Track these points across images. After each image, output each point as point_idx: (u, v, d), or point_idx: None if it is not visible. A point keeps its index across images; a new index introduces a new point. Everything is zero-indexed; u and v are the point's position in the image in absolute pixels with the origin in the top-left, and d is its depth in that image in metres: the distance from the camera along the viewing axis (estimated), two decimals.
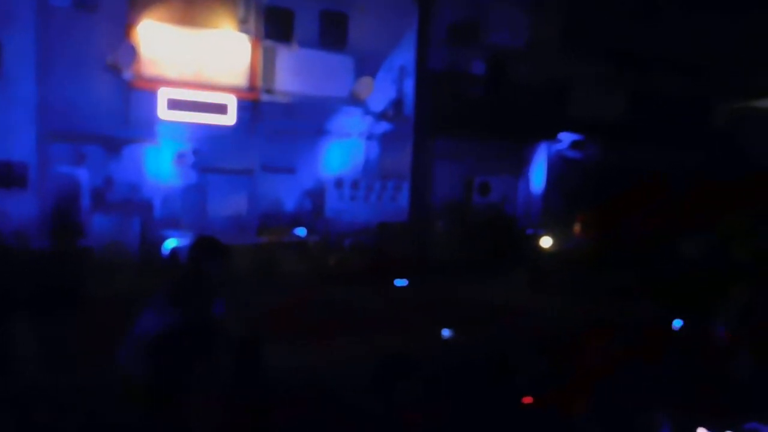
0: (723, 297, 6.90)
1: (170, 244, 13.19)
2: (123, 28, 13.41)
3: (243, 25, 14.65)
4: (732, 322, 5.90)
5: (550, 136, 18.47)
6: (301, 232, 14.94)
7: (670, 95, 18.49)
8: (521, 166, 18.98)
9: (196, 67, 14.03)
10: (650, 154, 16.85)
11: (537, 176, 19.03)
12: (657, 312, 7.96)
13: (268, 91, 14.89)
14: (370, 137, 16.70)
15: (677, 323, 6.38)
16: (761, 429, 3.83)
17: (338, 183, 16.16)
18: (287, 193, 15.81)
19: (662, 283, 9.43)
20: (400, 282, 12.04)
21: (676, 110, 18.17)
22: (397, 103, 16.86)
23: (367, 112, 16.43)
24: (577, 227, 13.47)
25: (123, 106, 13.69)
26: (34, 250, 11.13)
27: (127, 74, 13.36)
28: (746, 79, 17.92)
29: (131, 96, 13.71)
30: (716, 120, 18.33)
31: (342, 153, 16.35)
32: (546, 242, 13.87)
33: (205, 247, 4.51)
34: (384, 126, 16.79)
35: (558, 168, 18.93)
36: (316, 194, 16.05)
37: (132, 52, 13.20)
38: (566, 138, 18.68)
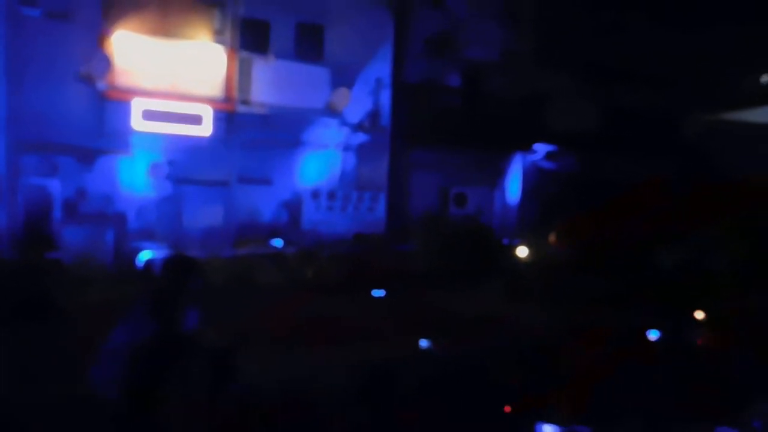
0: (697, 305, 7.02)
1: (144, 256, 13.01)
2: (96, 37, 13.29)
3: (219, 36, 14.61)
4: (705, 328, 5.98)
5: (525, 147, 18.66)
6: (277, 243, 14.86)
7: (641, 107, 18.80)
8: (497, 176, 19.13)
9: (171, 77, 13.96)
10: (623, 164, 17.08)
11: (512, 187, 19.19)
12: (633, 320, 8.04)
13: (245, 102, 14.85)
14: (346, 148, 16.71)
15: (653, 333, 6.45)
16: None
17: (315, 194, 16.14)
18: (264, 205, 15.73)
19: (638, 292, 9.53)
20: (378, 293, 12.01)
21: (647, 122, 18.47)
22: (373, 115, 16.91)
23: (344, 123, 16.45)
24: (552, 237, 13.57)
25: (96, 117, 13.53)
26: (5, 262, 10.91)
27: (100, 84, 13.23)
28: (714, 91, 18.30)
29: (105, 107, 13.58)
30: (686, 131, 18.67)
31: (319, 164, 16.33)
32: (522, 252, 13.95)
33: (178, 266, 4.51)
34: (361, 137, 16.82)
35: (533, 178, 19.11)
36: (293, 205, 16.00)
37: (106, 62, 13.08)
38: (541, 149, 18.88)
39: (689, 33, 18.18)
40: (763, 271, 8.33)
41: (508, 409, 4.45)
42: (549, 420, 4.19)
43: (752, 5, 17.33)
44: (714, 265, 9.21)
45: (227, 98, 14.65)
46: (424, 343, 7.25)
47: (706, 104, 18.34)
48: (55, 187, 13.49)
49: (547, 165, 19.13)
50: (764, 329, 6.04)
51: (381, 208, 16.84)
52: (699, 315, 6.83)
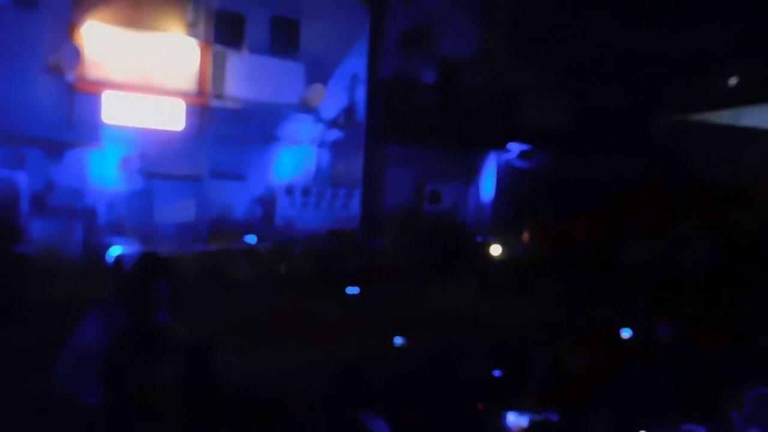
0: (666, 302, 7.12)
1: (115, 251, 12.81)
2: (66, 28, 13.02)
3: (192, 29, 14.42)
4: (673, 326, 6.08)
5: (500, 144, 18.78)
6: (251, 239, 14.74)
7: (613, 106, 19.05)
8: (471, 173, 19.21)
9: (143, 70, 13.75)
10: (594, 163, 17.29)
11: (487, 184, 19.30)
12: (605, 318, 8.14)
13: (218, 96, 14.69)
14: (321, 144, 16.64)
15: (626, 331, 6.54)
16: (696, 430, 3.95)
17: (289, 190, 16.05)
18: (237, 200, 15.59)
19: (610, 290, 9.65)
20: (352, 290, 11.99)
21: (620, 121, 18.72)
22: (348, 111, 16.86)
23: (319, 119, 16.37)
24: (525, 235, 13.68)
25: (65, 109, 13.26)
26: None
27: (69, 76, 12.97)
28: (684, 92, 18.62)
29: (74, 98, 13.31)
30: (656, 131, 18.97)
31: (293, 160, 16.23)
32: (496, 249, 14.04)
33: (149, 264, 4.48)
34: (335, 133, 16.76)
35: (507, 177, 19.25)
36: (267, 201, 15.89)
37: (75, 53, 12.83)
38: (515, 148, 19.02)
39: (661, 33, 18.46)
40: (732, 271, 8.50)
41: (481, 405, 4.47)
42: (519, 409, 4.22)
43: (721, 8, 17.66)
44: (683, 264, 9.37)
45: (200, 92, 14.48)
46: (398, 340, 7.26)
47: (676, 105, 18.65)
48: (23, 180, 13.19)
49: (520, 164, 19.28)
50: (734, 327, 6.17)
51: (355, 204, 16.82)
52: (669, 313, 6.93)
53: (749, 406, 3.09)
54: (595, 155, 17.57)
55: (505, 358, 5.32)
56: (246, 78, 14.95)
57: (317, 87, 15.75)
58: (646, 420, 4.10)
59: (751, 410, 3.08)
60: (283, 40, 15.57)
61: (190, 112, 14.41)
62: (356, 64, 16.81)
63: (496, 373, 5.07)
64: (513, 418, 4.14)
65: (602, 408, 4.37)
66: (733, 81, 19.92)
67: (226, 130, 14.81)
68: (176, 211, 14.53)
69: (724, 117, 18.61)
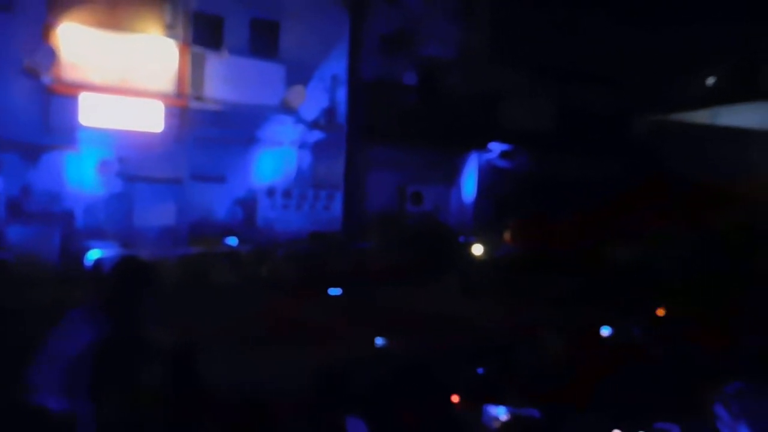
0: (648, 300, 7.19)
1: (93, 255, 12.65)
2: (41, 29, 12.84)
3: (171, 31, 14.29)
4: (650, 325, 6.13)
5: (481, 145, 18.85)
6: (232, 241, 14.64)
7: (593, 107, 19.22)
8: (453, 175, 19.26)
9: (121, 72, 13.61)
10: (575, 163, 17.44)
11: (468, 185, 19.36)
12: (586, 317, 8.19)
13: (198, 98, 14.58)
14: (302, 146, 16.58)
15: (605, 329, 6.59)
16: (671, 428, 3.98)
17: (270, 192, 15.96)
18: (218, 202, 15.47)
19: (590, 289, 9.72)
20: (334, 291, 11.96)
21: (600, 121, 18.90)
22: (329, 112, 16.82)
23: (300, 120, 16.31)
24: (507, 234, 13.75)
25: (42, 112, 13.09)
26: None
27: (46, 78, 12.79)
28: (663, 93, 18.84)
29: (51, 101, 13.14)
30: (635, 131, 19.17)
31: (274, 162, 16.15)
32: (478, 249, 14.09)
33: (128, 269, 4.41)
34: (317, 135, 16.71)
35: (488, 177, 19.32)
36: (248, 203, 15.79)
37: (51, 55, 12.66)
38: (496, 148, 19.10)
39: (640, 34, 18.66)
40: (711, 269, 8.60)
41: (456, 398, 4.48)
42: (498, 402, 4.22)
43: (699, 10, 17.89)
44: (664, 262, 9.47)
45: (179, 94, 14.36)
46: (379, 341, 7.24)
47: (655, 105, 18.86)
48: None
49: (502, 164, 19.38)
50: (717, 324, 6.24)
51: (337, 206, 16.78)
52: (650, 311, 7.00)
53: (734, 403, 3.12)
54: (575, 155, 17.72)
55: (486, 357, 5.33)
56: (226, 79, 14.85)
57: (297, 88, 15.69)
58: (624, 418, 4.13)
59: (737, 407, 3.10)
60: (262, 41, 15.49)
61: (169, 114, 14.28)
62: (337, 65, 16.78)
63: (479, 371, 5.08)
64: (493, 413, 4.14)
65: (583, 405, 4.40)
66: (710, 81, 20.18)
67: (205, 132, 14.70)
68: (156, 214, 14.39)
69: (701, 117, 18.85)
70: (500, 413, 4.07)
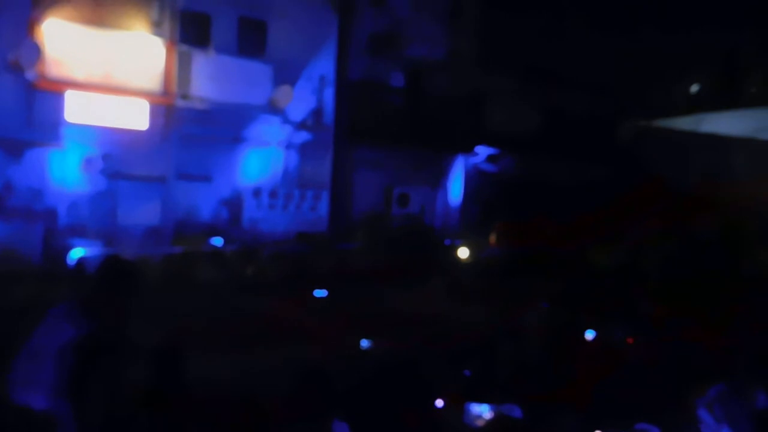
0: (625, 304, 7.24)
1: (76, 253, 12.53)
2: (25, 25, 12.70)
3: (157, 28, 14.20)
4: (631, 327, 6.18)
5: (467, 148, 18.92)
6: (217, 241, 14.57)
7: (578, 111, 19.36)
8: (439, 177, 19.31)
9: (106, 69, 13.50)
10: (561, 167, 17.56)
11: (454, 188, 19.41)
12: (570, 320, 8.24)
13: (184, 96, 14.49)
14: (289, 146, 16.53)
15: (590, 332, 6.64)
16: (651, 429, 4.01)
17: (256, 192, 15.90)
18: (203, 202, 15.38)
19: (574, 292, 9.78)
20: (320, 293, 11.93)
21: (585, 126, 19.03)
22: (316, 113, 16.79)
23: (286, 120, 16.26)
24: (492, 237, 13.81)
25: (25, 108, 12.94)
26: None
27: (30, 74, 12.65)
28: (647, 98, 19.01)
29: (35, 97, 12.99)
30: (621, 136, 19.32)
31: (260, 161, 16.10)
32: (463, 252, 14.13)
33: (112, 268, 4.38)
34: (303, 135, 16.67)
35: (474, 180, 19.40)
36: (234, 203, 15.72)
37: (35, 51, 12.52)
38: (482, 151, 19.18)
39: (625, 41, 18.83)
40: (694, 272, 8.69)
41: (439, 398, 4.49)
42: (481, 401, 4.23)
43: (684, 17, 18.08)
44: (647, 266, 9.55)
45: (165, 92, 14.27)
46: (364, 342, 7.24)
47: (640, 110, 19.02)
48: None
49: (488, 167, 19.45)
50: (702, 326, 6.31)
51: (323, 206, 16.74)
52: (633, 314, 7.05)
53: (716, 405, 3.15)
54: (560, 159, 17.84)
55: (470, 357, 5.35)
56: (212, 78, 14.77)
57: (285, 88, 15.65)
58: (605, 418, 4.16)
59: (719, 408, 3.13)
60: (250, 40, 15.42)
61: (155, 112, 14.18)
62: (324, 66, 16.76)
63: (462, 371, 5.09)
64: (476, 412, 4.15)
65: (566, 405, 4.43)
66: (694, 88, 20.40)
67: (191, 130, 14.61)
68: (140, 212, 14.28)
69: (685, 123, 19.02)
70: (483, 412, 4.08)
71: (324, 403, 4.05)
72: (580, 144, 18.38)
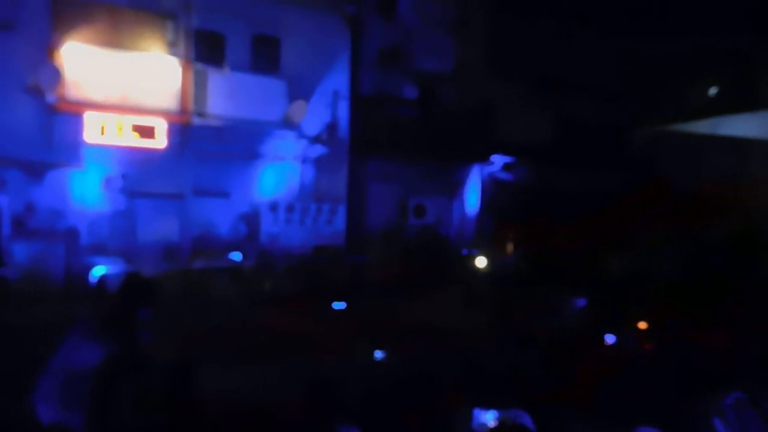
0: (646, 311, 7.20)
1: (98, 272, 12.72)
2: (45, 49, 13.00)
3: (173, 48, 14.45)
4: (651, 331, 6.16)
5: (481, 157, 18.92)
6: (235, 256, 14.70)
7: (592, 118, 19.29)
8: (455, 187, 19.32)
9: (124, 90, 13.74)
10: (576, 174, 17.49)
11: (471, 197, 19.41)
12: (588, 326, 8.21)
13: (200, 114, 14.69)
14: (304, 161, 16.66)
15: (609, 338, 6.62)
16: None
17: (273, 207, 16.03)
18: (221, 218, 15.54)
19: (592, 299, 9.75)
20: (338, 305, 11.98)
21: (599, 133, 18.96)
22: (331, 127, 16.92)
23: (301, 135, 16.41)
24: (509, 246, 13.79)
25: (46, 130, 13.20)
26: None
27: (50, 97, 12.92)
28: (663, 103, 18.90)
29: (55, 119, 13.26)
30: (636, 142, 19.22)
31: (276, 176, 16.24)
32: (480, 262, 14.11)
33: (132, 286, 4.48)
34: (318, 149, 16.80)
35: (490, 189, 19.37)
36: (251, 218, 15.85)
37: (55, 74, 12.79)
38: (498, 160, 19.16)
39: (638, 45, 18.75)
40: (709, 276, 8.62)
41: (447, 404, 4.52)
42: (489, 407, 4.24)
43: (701, 19, 17.98)
44: (665, 271, 9.49)
45: (182, 110, 14.48)
46: (378, 354, 7.28)
47: (656, 116, 18.91)
48: (3, 202, 13.07)
49: (504, 176, 19.43)
50: (716, 331, 6.27)
51: (340, 220, 16.83)
52: (650, 319, 7.02)
53: (730, 413, 3.14)
54: (575, 166, 17.77)
55: (478, 364, 5.37)
56: (227, 96, 14.97)
57: (299, 103, 15.80)
58: (613, 422, 4.16)
59: (734, 417, 3.12)
60: (264, 57, 15.62)
61: (172, 131, 14.39)
62: (337, 80, 16.90)
63: (475, 380, 5.10)
64: (483, 418, 4.16)
65: (575, 408, 4.43)
66: (712, 91, 20.23)
67: (208, 147, 14.80)
68: (159, 229, 14.46)
69: (702, 127, 18.88)
70: (490, 418, 4.10)
71: (332, 412, 4.09)
72: (593, 151, 18.31)
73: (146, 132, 14.06)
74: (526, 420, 3.81)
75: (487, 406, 4.15)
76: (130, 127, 13.88)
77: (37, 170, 13.21)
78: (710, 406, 3.40)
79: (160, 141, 14.25)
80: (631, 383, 4.85)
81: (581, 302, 8.86)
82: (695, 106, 19.29)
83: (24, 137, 12.94)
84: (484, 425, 4.08)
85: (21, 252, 12.78)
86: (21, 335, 8.17)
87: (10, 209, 13.08)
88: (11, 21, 12.78)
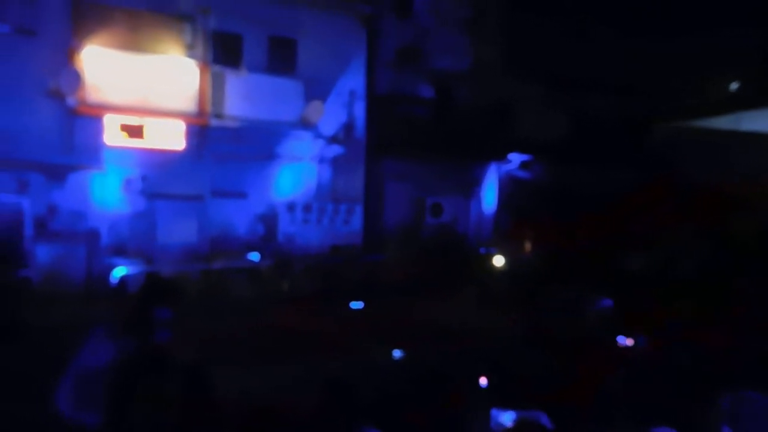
0: (666, 309, 7.14)
1: (118, 272, 12.88)
2: (66, 53, 13.18)
3: (190, 50, 14.57)
4: (669, 330, 6.10)
5: (498, 156, 18.84)
6: (253, 256, 14.79)
7: (611, 116, 19.12)
8: (472, 186, 19.25)
9: (142, 92, 13.89)
10: (593, 172, 17.33)
11: (488, 196, 19.34)
12: (606, 326, 8.15)
13: (218, 115, 14.81)
14: (321, 161, 16.72)
15: (622, 339, 6.57)
16: None
17: (290, 207, 16.10)
18: (239, 218, 15.64)
19: (611, 298, 9.67)
20: (356, 304, 12.01)
21: (616, 130, 18.79)
22: (347, 127, 16.96)
23: (318, 135, 16.47)
24: (527, 245, 13.72)
25: (67, 133, 13.39)
26: None
27: (70, 100, 13.10)
28: (684, 99, 18.68)
29: (75, 122, 13.44)
30: (655, 138, 19.01)
31: (294, 177, 16.31)
32: (497, 260, 14.06)
33: (152, 287, 4.56)
34: (335, 149, 16.85)
35: (508, 188, 19.28)
36: (269, 218, 15.94)
37: (75, 78, 12.97)
38: (515, 158, 19.07)
39: (655, 42, 18.55)
40: (729, 274, 8.52)
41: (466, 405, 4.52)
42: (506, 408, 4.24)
43: (720, 13, 17.75)
44: (681, 270, 9.38)
45: (200, 112, 14.60)
46: (397, 353, 7.29)
47: (675, 112, 18.70)
48: (25, 204, 13.28)
49: (521, 174, 19.33)
50: (731, 330, 6.19)
51: (357, 220, 16.86)
52: (668, 318, 6.96)
53: (741, 415, 3.11)
54: (592, 164, 17.62)
55: (496, 364, 5.36)
56: (245, 97, 15.07)
57: (316, 104, 15.86)
58: (626, 423, 4.13)
59: (744, 418, 3.09)
60: (280, 59, 15.70)
61: (191, 132, 14.52)
62: (354, 80, 16.93)
63: (489, 378, 5.10)
64: (501, 419, 4.16)
65: (591, 409, 4.41)
66: (734, 86, 19.96)
67: (226, 148, 14.91)
68: (178, 230, 14.59)
69: (724, 122, 18.63)
70: (508, 418, 4.09)
71: (349, 412, 4.11)
72: (612, 148, 18.15)
73: (135, 132, 14.11)
74: (544, 420, 3.80)
75: (505, 407, 4.15)
76: (119, 127, 13.95)
77: (58, 173, 13.40)
78: (723, 407, 3.37)
79: (179, 143, 14.39)
80: (647, 383, 4.81)
81: (600, 302, 8.79)
82: (716, 101, 19.05)
83: (45, 140, 13.14)
84: (502, 425, 4.08)
85: (43, 253, 12.98)
86: (43, 336, 8.30)
87: (33, 211, 13.29)
88: (32, 26, 12.97)
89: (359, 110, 17.09)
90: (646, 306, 7.73)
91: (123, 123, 13.89)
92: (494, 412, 4.12)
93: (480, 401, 4.45)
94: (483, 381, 4.76)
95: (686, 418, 3.78)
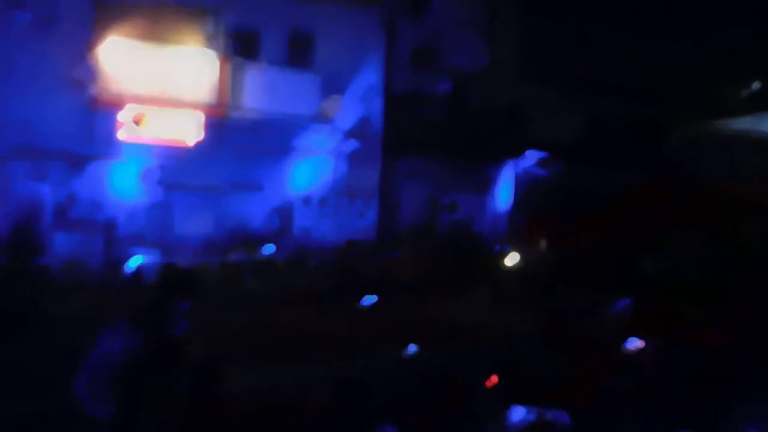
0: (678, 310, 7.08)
1: (135, 262, 12.97)
2: (86, 43, 13.27)
3: (211, 43, 14.61)
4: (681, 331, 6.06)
5: (512, 155, 18.75)
6: (269, 249, 14.84)
7: (625, 117, 18.96)
8: (487, 184, 19.17)
9: (162, 83, 13.95)
10: (608, 173, 17.19)
11: (503, 194, 19.25)
12: (620, 326, 8.09)
13: (236, 108, 14.85)
14: (338, 155, 16.72)
15: (632, 341, 6.52)
16: None
17: (306, 201, 16.13)
18: (255, 211, 15.70)
19: (626, 298, 9.60)
20: (369, 299, 12.02)
21: (632, 131, 18.63)
22: (364, 122, 16.94)
23: (335, 130, 16.47)
24: (542, 243, 13.65)
25: (87, 123, 13.50)
26: None
27: (91, 90, 13.19)
28: (700, 100, 18.46)
29: (95, 112, 13.54)
30: (671, 140, 18.83)
31: (310, 171, 16.33)
32: (512, 258, 14.01)
33: (169, 278, 4.57)
34: (352, 144, 16.84)
35: (524, 186, 19.18)
36: (284, 212, 15.99)
37: (96, 69, 13.05)
38: (532, 155, 18.95)
39: (672, 43, 18.34)
40: (739, 275, 8.43)
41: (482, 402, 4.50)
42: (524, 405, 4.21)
43: (737, 15, 17.50)
44: (693, 271, 9.30)
45: (219, 104, 14.65)
46: (411, 348, 7.28)
47: (691, 114, 18.50)
48: (45, 192, 13.43)
49: (538, 172, 19.21)
50: (741, 332, 6.13)
51: (372, 214, 16.86)
52: (679, 318, 6.91)
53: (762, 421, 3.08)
54: (607, 165, 17.47)
55: (512, 362, 5.34)
56: (263, 90, 15.09)
57: (333, 98, 15.87)
58: (648, 424, 4.10)
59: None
60: (299, 53, 15.72)
61: (209, 124, 14.58)
62: (371, 76, 16.90)
63: (508, 378, 5.08)
64: (519, 416, 4.13)
65: (607, 410, 4.38)
66: (755, 86, 19.68)
67: (244, 141, 14.95)
68: (195, 221, 14.68)
69: (743, 124, 18.40)
70: (526, 417, 4.06)
71: (364, 411, 4.11)
72: (626, 150, 17.99)
73: (154, 122, 14.09)
74: (565, 419, 3.78)
75: (523, 405, 4.13)
76: (139, 117, 13.92)
77: (78, 162, 13.53)
78: (742, 412, 3.33)
79: (198, 134, 14.45)
80: (665, 385, 4.77)
81: (615, 302, 8.73)
82: (734, 103, 18.82)
83: (65, 130, 13.25)
84: (520, 423, 4.06)
85: (61, 242, 13.12)
86: (60, 325, 8.38)
87: (52, 200, 13.44)
88: (56, 16, 13.07)
89: (376, 105, 17.06)
90: (663, 307, 7.67)
91: (142, 113, 13.96)
92: (514, 409, 4.10)
93: (495, 400, 4.44)
94: (497, 380, 4.76)
95: (707, 421, 3.74)
